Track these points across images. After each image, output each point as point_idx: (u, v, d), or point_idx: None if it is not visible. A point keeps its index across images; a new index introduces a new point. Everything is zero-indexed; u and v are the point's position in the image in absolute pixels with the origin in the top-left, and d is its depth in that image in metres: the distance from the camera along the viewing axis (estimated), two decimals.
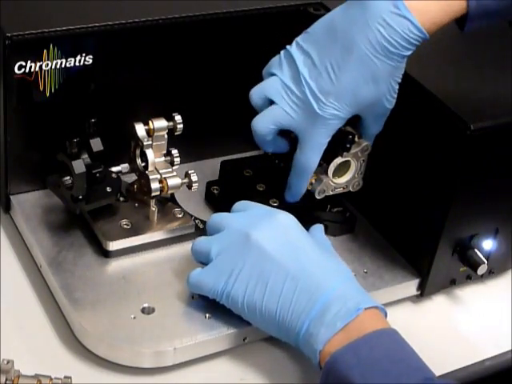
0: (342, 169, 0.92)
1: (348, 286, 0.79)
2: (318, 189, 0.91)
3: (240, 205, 0.86)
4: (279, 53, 0.87)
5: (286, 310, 0.77)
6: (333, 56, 0.83)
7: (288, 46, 0.86)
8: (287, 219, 0.83)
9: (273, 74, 0.87)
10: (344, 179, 0.93)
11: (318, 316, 0.76)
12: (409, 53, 0.82)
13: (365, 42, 0.81)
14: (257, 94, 0.87)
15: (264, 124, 0.87)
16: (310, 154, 0.87)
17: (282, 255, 0.79)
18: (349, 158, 0.91)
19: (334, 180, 0.92)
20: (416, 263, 0.93)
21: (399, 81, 0.85)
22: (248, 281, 0.79)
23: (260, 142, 0.89)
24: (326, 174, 0.91)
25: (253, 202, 0.86)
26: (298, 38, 0.86)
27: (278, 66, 0.86)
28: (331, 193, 0.93)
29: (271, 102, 0.86)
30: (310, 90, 0.83)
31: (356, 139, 0.90)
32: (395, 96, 0.86)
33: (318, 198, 0.92)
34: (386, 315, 0.79)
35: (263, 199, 0.91)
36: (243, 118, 0.89)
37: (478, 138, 0.84)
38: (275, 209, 0.86)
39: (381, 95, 0.84)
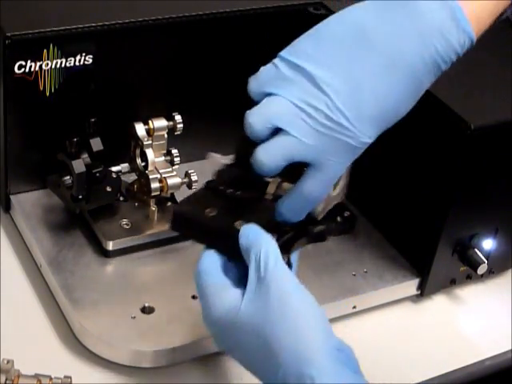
0: None
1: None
2: (319, 209, 0.77)
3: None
4: (271, 62, 0.70)
5: None
6: (370, 71, 0.67)
7: (287, 55, 0.69)
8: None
9: (271, 94, 0.69)
10: (338, 189, 0.81)
11: None
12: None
13: (416, 58, 0.67)
14: (260, 123, 0.69)
15: (273, 158, 0.69)
16: (324, 185, 0.71)
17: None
18: None
19: (332, 194, 0.80)
20: (416, 263, 0.93)
21: None
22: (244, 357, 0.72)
23: (261, 172, 0.70)
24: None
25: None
26: (306, 46, 0.68)
27: (279, 82, 0.69)
28: (329, 208, 0.81)
29: (277, 129, 0.69)
30: (342, 116, 0.67)
31: None
32: None
33: (319, 218, 0.78)
34: None
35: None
36: (243, 118, 0.89)
37: (478, 137, 0.84)
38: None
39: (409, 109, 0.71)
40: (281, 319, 0.67)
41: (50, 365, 0.78)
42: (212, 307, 0.71)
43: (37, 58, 0.85)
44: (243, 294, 0.70)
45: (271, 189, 0.75)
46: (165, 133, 0.88)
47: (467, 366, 0.88)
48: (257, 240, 0.70)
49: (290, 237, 0.75)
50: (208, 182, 0.79)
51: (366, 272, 0.92)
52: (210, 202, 0.76)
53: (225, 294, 0.71)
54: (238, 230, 0.72)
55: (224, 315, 0.70)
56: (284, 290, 0.68)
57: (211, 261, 0.73)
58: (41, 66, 0.86)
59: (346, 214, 0.97)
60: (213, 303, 0.71)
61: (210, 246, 0.74)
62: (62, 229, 0.90)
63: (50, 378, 0.73)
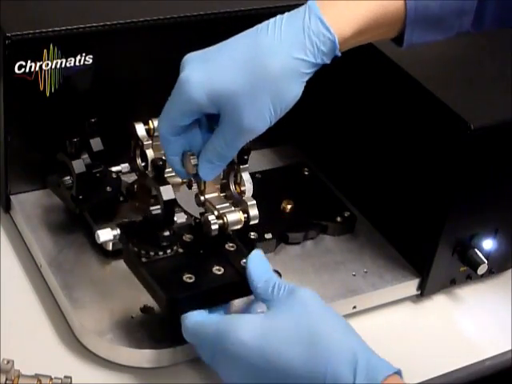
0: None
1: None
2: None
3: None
4: None
5: None
6: None
7: None
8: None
9: None
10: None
11: None
12: None
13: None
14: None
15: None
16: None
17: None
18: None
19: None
20: (416, 263, 0.93)
21: None
22: None
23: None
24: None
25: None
26: None
27: None
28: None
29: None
30: None
31: None
32: None
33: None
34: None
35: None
36: None
37: (478, 137, 0.84)
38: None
39: None
40: (321, 317, 0.72)
41: (50, 365, 0.78)
42: (240, 332, 0.71)
43: (37, 58, 0.85)
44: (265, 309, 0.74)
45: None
46: None
47: (467, 366, 0.88)
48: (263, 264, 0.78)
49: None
50: (136, 257, 0.80)
51: (366, 272, 0.92)
52: (173, 270, 0.79)
53: (243, 317, 0.73)
54: (228, 276, 0.79)
55: (259, 329, 0.71)
56: (311, 295, 0.73)
57: (198, 314, 0.76)
58: (41, 66, 0.86)
59: (346, 214, 0.97)
60: (240, 328, 0.71)
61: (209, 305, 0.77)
62: (62, 229, 0.90)
63: (50, 378, 0.73)
